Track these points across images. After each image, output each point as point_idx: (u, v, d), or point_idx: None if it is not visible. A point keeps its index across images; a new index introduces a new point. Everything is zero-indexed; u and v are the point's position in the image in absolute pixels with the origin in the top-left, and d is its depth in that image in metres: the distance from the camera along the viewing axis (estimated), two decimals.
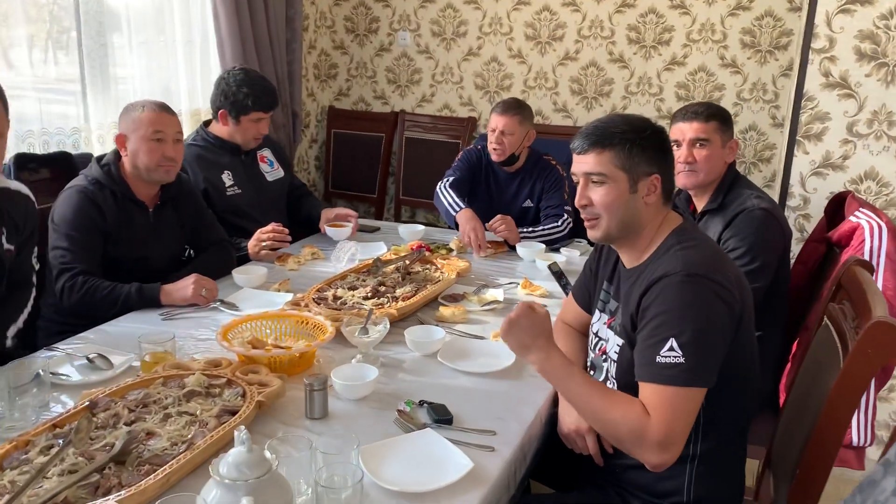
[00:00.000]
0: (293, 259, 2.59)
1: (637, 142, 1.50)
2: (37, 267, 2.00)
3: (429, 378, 1.78)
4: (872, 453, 2.52)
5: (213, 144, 2.83)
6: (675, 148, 2.22)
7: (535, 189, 3.14)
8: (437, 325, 2.04)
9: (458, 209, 2.96)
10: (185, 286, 2.13)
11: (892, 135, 2.71)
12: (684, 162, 2.19)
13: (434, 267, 2.47)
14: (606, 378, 1.62)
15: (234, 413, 1.46)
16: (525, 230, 2.93)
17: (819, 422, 1.43)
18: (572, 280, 2.40)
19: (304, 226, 3.07)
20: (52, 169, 2.57)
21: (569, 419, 1.61)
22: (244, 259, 2.61)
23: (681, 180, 2.22)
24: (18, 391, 1.55)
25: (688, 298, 1.40)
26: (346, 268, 2.46)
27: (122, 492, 1.19)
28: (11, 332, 1.88)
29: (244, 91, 2.77)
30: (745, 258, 2.06)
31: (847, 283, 1.65)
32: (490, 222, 2.85)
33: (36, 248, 2.00)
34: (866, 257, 2.01)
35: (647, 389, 1.42)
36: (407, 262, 2.43)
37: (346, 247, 2.57)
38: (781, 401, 2.18)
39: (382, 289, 2.21)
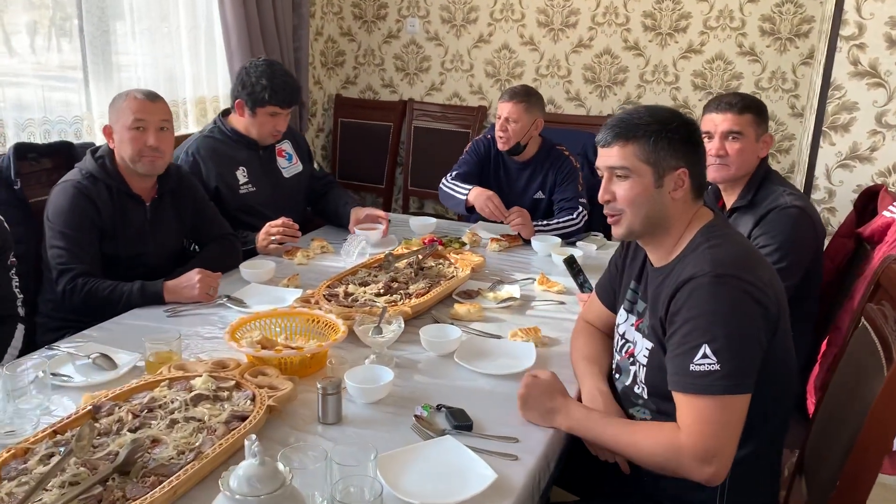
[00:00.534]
0: (302, 253, 2.51)
1: (663, 134, 1.43)
2: (21, 297, 1.93)
3: (445, 380, 1.71)
4: None
5: (229, 137, 2.73)
6: (705, 140, 2.13)
7: (546, 180, 3.05)
8: (452, 324, 1.96)
9: (466, 191, 2.89)
10: (191, 284, 2.06)
11: None
12: (715, 155, 2.09)
13: (447, 262, 2.39)
14: (634, 382, 1.54)
15: (243, 419, 1.39)
16: (539, 223, 2.85)
17: (863, 430, 1.35)
18: (588, 275, 2.34)
19: (330, 221, 2.97)
20: (53, 159, 2.49)
21: None
22: (250, 253, 2.53)
23: (710, 174, 2.13)
24: (16, 393, 1.48)
25: (718, 300, 1.32)
26: (356, 262, 2.38)
27: None
28: None
29: (262, 83, 2.65)
30: (774, 256, 1.98)
31: (887, 283, 1.56)
32: (507, 215, 2.76)
33: (16, 278, 1.93)
34: None
35: (681, 400, 1.35)
36: (419, 256, 2.35)
37: (357, 240, 2.49)
38: (809, 403, 2.11)
39: (395, 285, 2.13)
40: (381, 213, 2.84)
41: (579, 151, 3.34)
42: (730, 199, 2.19)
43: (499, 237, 2.76)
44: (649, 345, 1.49)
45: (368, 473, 1.21)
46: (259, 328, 1.81)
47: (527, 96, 2.92)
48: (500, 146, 2.96)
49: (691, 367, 1.31)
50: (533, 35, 4.26)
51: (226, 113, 2.81)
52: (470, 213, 3.13)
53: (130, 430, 1.34)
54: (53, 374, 1.58)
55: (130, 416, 1.38)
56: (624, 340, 1.62)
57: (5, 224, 1.92)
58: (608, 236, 2.92)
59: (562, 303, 2.20)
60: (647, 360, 1.49)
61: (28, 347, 1.91)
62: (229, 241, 2.44)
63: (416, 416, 1.50)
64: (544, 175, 3.04)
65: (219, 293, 2.12)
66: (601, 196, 1.50)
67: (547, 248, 2.65)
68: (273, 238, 2.51)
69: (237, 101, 2.71)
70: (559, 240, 2.72)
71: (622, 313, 1.65)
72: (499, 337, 1.93)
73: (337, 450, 1.23)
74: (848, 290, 2.11)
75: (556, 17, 4.18)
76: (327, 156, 4.85)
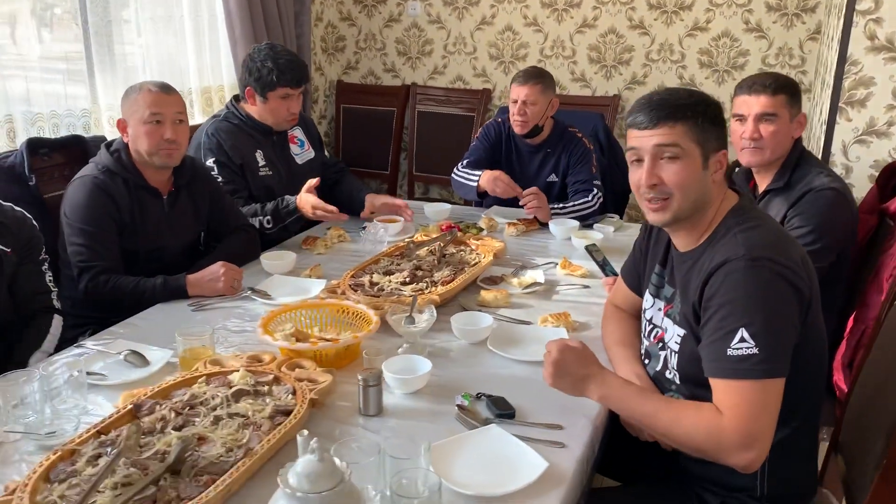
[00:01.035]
0: (321, 242, 2.49)
1: (707, 114, 1.40)
2: (55, 290, 1.93)
3: (480, 368, 1.70)
4: None
5: (244, 122, 2.71)
6: (737, 123, 2.11)
7: (560, 163, 3.03)
8: (479, 311, 1.95)
9: (477, 177, 2.89)
10: (216, 278, 2.04)
11: None
12: (749, 138, 2.05)
13: (469, 248, 2.37)
14: (665, 368, 1.53)
15: (287, 413, 1.38)
16: (556, 206, 2.83)
17: None
18: (609, 257, 2.33)
19: (344, 207, 2.94)
20: (66, 153, 2.46)
21: None
22: (264, 239, 2.51)
23: (745, 158, 2.10)
24: (52, 393, 1.46)
25: (753, 284, 1.30)
26: (376, 251, 2.36)
27: None
28: (35, 358, 1.80)
29: (268, 66, 2.63)
30: (808, 237, 1.96)
31: None
32: (523, 197, 2.74)
33: (49, 272, 1.93)
34: None
35: (719, 386, 1.32)
36: (441, 244, 2.33)
37: (376, 229, 2.47)
38: (836, 380, 2.11)
39: (420, 273, 2.12)
40: (399, 201, 2.82)
41: (588, 133, 3.32)
42: (763, 181, 2.15)
43: (515, 221, 2.75)
44: (681, 332, 1.47)
45: (421, 465, 1.20)
46: (290, 320, 1.79)
47: (541, 77, 2.90)
48: (519, 130, 2.94)
49: (728, 352, 1.29)
50: (536, 16, 4.22)
51: (236, 99, 2.78)
52: (482, 199, 3.11)
53: (175, 429, 1.32)
54: (88, 374, 1.56)
55: (173, 414, 1.36)
56: (652, 325, 1.61)
57: (33, 221, 1.90)
58: (622, 217, 2.91)
59: (586, 286, 2.19)
60: (678, 346, 1.47)
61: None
62: (247, 232, 2.41)
63: (458, 405, 1.49)
64: (557, 158, 3.03)
65: (242, 286, 2.10)
66: (647, 180, 1.42)
67: (565, 231, 2.63)
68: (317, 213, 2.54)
69: (247, 88, 2.68)
70: (577, 223, 2.71)
71: (648, 298, 1.64)
72: (528, 323, 1.92)
73: (389, 443, 1.22)
74: (873, 267, 2.10)
75: None
76: (330, 143, 4.80)
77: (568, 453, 1.37)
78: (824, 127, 2.79)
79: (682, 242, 1.50)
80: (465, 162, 3.05)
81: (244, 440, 1.29)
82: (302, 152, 2.91)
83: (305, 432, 1.21)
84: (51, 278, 1.93)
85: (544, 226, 2.74)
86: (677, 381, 1.49)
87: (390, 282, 2.06)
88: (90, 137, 2.58)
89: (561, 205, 2.86)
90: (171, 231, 2.22)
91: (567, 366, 1.41)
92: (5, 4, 2.64)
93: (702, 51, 3.96)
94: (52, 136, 2.63)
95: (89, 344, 1.77)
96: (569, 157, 3.02)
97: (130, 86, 2.15)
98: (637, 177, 1.44)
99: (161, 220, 2.19)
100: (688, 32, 3.96)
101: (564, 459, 1.34)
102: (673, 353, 1.49)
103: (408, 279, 2.07)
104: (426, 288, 2.02)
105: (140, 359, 1.68)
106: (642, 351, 1.65)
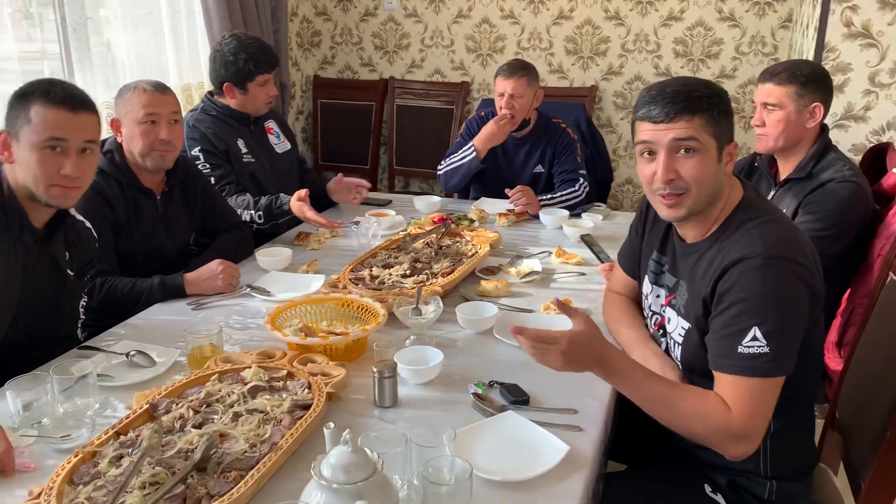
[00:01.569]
0: (314, 238, 2.48)
1: (720, 106, 1.37)
2: (82, 318, 1.88)
3: (488, 356, 1.72)
4: None
5: (221, 113, 2.70)
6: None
7: (546, 154, 3.06)
8: (481, 301, 1.96)
9: (470, 150, 2.93)
10: (214, 276, 2.02)
11: None
12: (755, 125, 2.09)
13: (464, 240, 2.38)
14: (668, 355, 1.56)
15: (306, 407, 1.38)
16: (543, 197, 2.86)
17: None
18: (603, 244, 2.37)
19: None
20: None
21: None
22: (258, 234, 2.51)
23: (756, 144, 2.13)
24: (64, 395, 1.44)
25: (770, 284, 1.30)
26: (372, 245, 2.36)
27: (216, 502, 1.10)
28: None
29: (242, 57, 2.63)
30: (818, 223, 1.98)
31: None
32: (511, 195, 2.77)
33: (85, 297, 1.90)
34: None
35: (726, 380, 1.33)
36: (437, 236, 2.34)
37: (370, 223, 2.47)
38: (827, 359, 2.16)
39: (419, 265, 2.12)
40: (354, 180, 2.88)
41: (573, 123, 3.35)
42: (785, 169, 2.16)
43: (505, 212, 2.77)
44: (686, 325, 1.47)
45: (445, 453, 1.21)
46: (295, 316, 1.79)
47: (526, 70, 2.92)
48: (510, 125, 2.95)
49: (739, 350, 1.30)
50: (513, 8, 4.23)
51: (211, 94, 2.77)
52: (482, 165, 3.06)
53: (194, 427, 1.32)
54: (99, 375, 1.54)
55: (191, 413, 1.36)
56: (651, 312, 1.62)
57: (97, 242, 1.87)
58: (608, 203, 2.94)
59: (583, 274, 2.22)
60: (682, 339, 1.49)
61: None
62: (241, 230, 2.40)
63: (473, 393, 1.51)
64: (543, 149, 3.05)
65: (240, 283, 2.09)
66: (664, 175, 1.37)
67: (556, 220, 2.66)
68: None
69: (224, 84, 2.67)
70: (567, 212, 2.74)
71: (647, 284, 1.64)
72: (531, 311, 1.94)
73: (414, 432, 1.23)
74: (861, 248, 2.15)
75: None
76: (308, 138, 4.78)
77: (586, 436, 1.39)
78: None
79: (690, 234, 1.49)
80: (448, 157, 3.06)
81: (266, 435, 1.29)
82: (280, 143, 2.92)
83: (332, 425, 1.21)
84: (84, 304, 1.87)
85: (534, 216, 2.77)
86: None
87: (391, 275, 2.07)
88: None
89: (549, 195, 2.89)
90: (167, 231, 2.20)
91: (576, 352, 1.34)
92: None
93: (676, 40, 4.01)
94: None
95: (92, 345, 1.74)
96: (554, 148, 3.04)
97: (125, 84, 2.11)
98: (650, 171, 1.40)
99: (156, 221, 2.17)
100: (662, 22, 4.01)
101: (583, 442, 1.37)
102: (676, 345, 1.51)
103: (408, 272, 2.07)
104: (427, 280, 2.03)
105: (147, 359, 1.66)
106: None
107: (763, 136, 2.10)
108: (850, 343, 1.84)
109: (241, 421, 1.33)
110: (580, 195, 2.92)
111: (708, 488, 1.48)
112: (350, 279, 2.02)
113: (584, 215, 2.79)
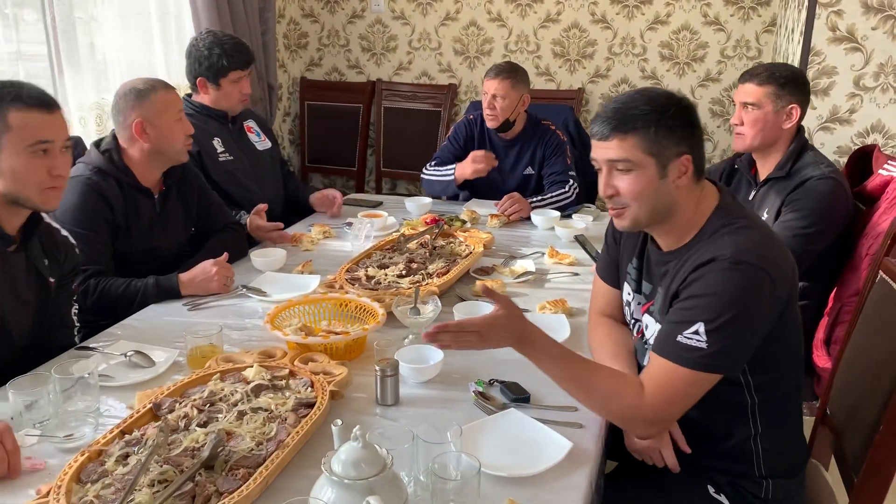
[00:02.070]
0: (307, 239, 2.49)
1: (662, 122, 1.36)
2: (77, 325, 1.84)
3: (487, 355, 1.69)
4: None
5: (197, 112, 2.71)
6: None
7: (535, 156, 3.08)
8: (478, 300, 1.97)
9: (450, 172, 2.95)
10: (209, 277, 2.02)
11: None
12: (732, 124, 2.14)
13: (457, 240, 2.40)
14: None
15: (309, 406, 1.39)
16: (534, 199, 2.88)
17: None
18: (597, 246, 2.39)
19: (290, 204, 2.99)
20: None
21: None
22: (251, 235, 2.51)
23: (733, 144, 2.18)
24: (63, 396, 1.43)
25: (730, 286, 1.31)
26: (365, 246, 2.37)
27: (226, 499, 1.11)
28: None
29: (216, 52, 2.66)
30: (802, 221, 2.03)
31: None
32: (499, 205, 2.79)
33: (76, 304, 1.85)
34: None
35: (655, 362, 1.36)
36: (431, 237, 2.35)
37: (363, 224, 2.48)
38: (815, 357, 2.20)
39: (414, 266, 2.14)
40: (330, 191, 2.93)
41: (561, 125, 3.38)
42: (764, 169, 2.22)
43: (497, 213, 2.79)
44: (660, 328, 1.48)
45: (452, 450, 1.22)
46: (294, 316, 1.80)
47: (513, 72, 2.94)
48: (490, 124, 2.98)
49: (678, 338, 1.32)
50: (500, 11, 4.26)
51: (189, 94, 2.79)
52: (460, 191, 3.13)
53: (199, 426, 1.32)
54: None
55: (195, 412, 1.36)
56: (634, 320, 1.63)
57: (77, 250, 1.83)
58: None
59: (576, 274, 2.24)
60: None
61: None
62: (234, 230, 2.40)
63: (474, 391, 1.52)
64: (532, 151, 3.08)
65: (235, 283, 2.09)
66: (603, 191, 1.43)
67: (547, 221, 2.69)
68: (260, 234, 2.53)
69: (198, 79, 2.70)
70: (558, 213, 2.77)
71: (627, 289, 1.65)
72: (527, 311, 1.96)
73: (421, 429, 1.24)
74: (848, 247, 2.20)
75: None
76: (295, 140, 4.77)
77: (587, 433, 1.41)
78: None
79: (664, 242, 1.50)
80: (433, 162, 3.08)
81: (272, 433, 1.30)
82: (260, 141, 2.95)
83: (339, 422, 1.23)
84: (76, 311, 1.84)
85: (526, 217, 2.79)
86: None
87: (386, 275, 2.08)
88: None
89: (539, 197, 2.91)
90: (164, 231, 2.20)
91: (492, 334, 1.38)
92: None
93: (662, 44, 4.06)
94: None
95: (89, 346, 1.74)
96: (544, 150, 3.07)
97: (133, 88, 2.10)
98: (600, 185, 1.46)
99: (153, 220, 2.17)
100: (649, 26, 4.05)
101: (584, 440, 1.39)
102: None
103: (403, 272, 2.09)
104: (422, 280, 2.04)
105: (145, 359, 1.66)
106: None
107: (741, 136, 2.16)
108: (840, 341, 1.88)
109: (246, 419, 1.34)
110: (570, 196, 2.94)
111: (711, 489, 1.50)
112: (346, 279, 2.03)
113: (574, 216, 2.82)
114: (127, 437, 1.29)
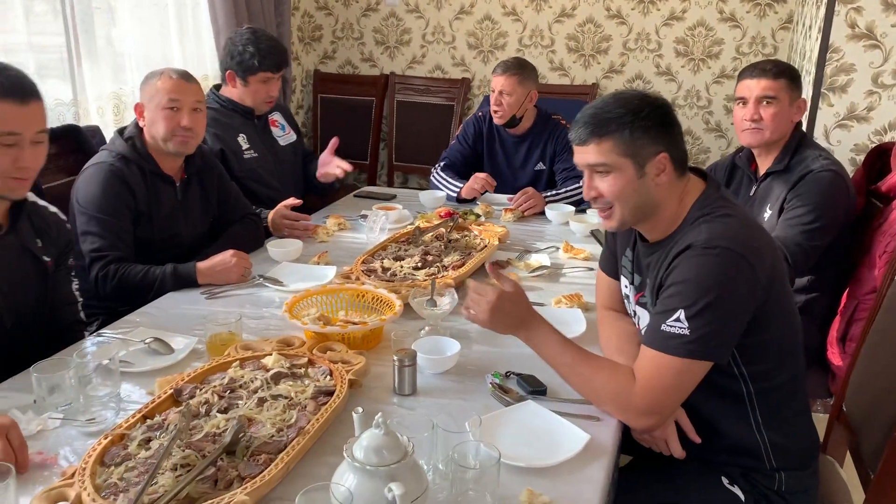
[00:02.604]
0: (322, 230, 2.50)
1: (637, 123, 1.40)
2: (80, 300, 1.83)
3: (502, 348, 1.73)
4: None
5: (224, 107, 2.72)
6: (739, 106, 2.19)
7: (546, 151, 3.08)
8: None
9: (458, 188, 2.93)
10: (227, 267, 2.03)
11: None
12: (750, 119, 2.15)
13: (472, 234, 2.41)
14: None
15: (329, 393, 1.40)
16: (548, 194, 2.88)
17: None
18: None
19: (314, 190, 3.01)
20: (61, 144, 2.41)
21: None
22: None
23: (745, 138, 2.19)
24: (83, 381, 1.45)
25: (704, 270, 1.34)
26: (380, 238, 2.38)
27: (248, 483, 1.12)
28: None
29: (250, 50, 2.66)
30: (808, 216, 2.04)
31: None
32: (513, 201, 2.79)
33: (76, 280, 1.84)
34: None
35: (645, 353, 1.39)
36: (446, 229, 2.36)
37: (378, 216, 2.49)
38: (830, 354, 2.20)
39: (430, 258, 2.14)
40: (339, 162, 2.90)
41: (572, 120, 3.37)
42: (764, 164, 2.24)
43: (511, 207, 2.79)
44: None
45: (471, 439, 1.23)
46: (312, 305, 1.81)
47: (520, 69, 2.94)
48: (496, 120, 2.98)
49: (662, 327, 1.36)
50: (515, 5, 4.26)
51: (217, 87, 2.80)
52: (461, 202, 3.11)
53: (220, 412, 1.33)
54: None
55: (216, 398, 1.37)
56: (633, 312, 1.65)
57: (67, 224, 1.83)
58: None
59: (591, 269, 2.24)
60: None
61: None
62: (252, 220, 2.41)
63: (491, 383, 1.53)
64: (543, 146, 3.07)
65: (252, 273, 2.10)
66: (586, 194, 1.49)
67: (562, 216, 2.69)
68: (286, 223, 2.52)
69: (228, 72, 2.70)
70: (572, 208, 2.76)
71: (624, 282, 1.68)
72: (542, 304, 1.96)
73: (439, 419, 1.25)
74: (863, 245, 2.19)
75: None
76: (308, 132, 4.78)
77: (604, 426, 1.42)
78: (807, 112, 2.90)
79: (649, 235, 1.54)
80: (441, 164, 3.08)
81: (292, 420, 1.31)
82: (284, 135, 2.95)
83: (360, 409, 1.23)
84: (77, 287, 1.84)
85: (540, 212, 2.79)
86: None
87: (402, 267, 2.09)
88: (85, 127, 2.54)
89: (553, 192, 2.91)
90: (185, 219, 2.22)
91: (502, 309, 1.48)
92: None
93: (678, 40, 4.05)
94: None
95: (108, 333, 1.76)
96: (555, 145, 3.07)
97: (151, 71, 2.14)
98: (583, 189, 1.51)
99: (175, 208, 2.19)
100: (664, 22, 4.04)
101: (601, 432, 1.39)
102: None
103: (419, 264, 2.09)
104: (438, 272, 2.05)
105: (164, 346, 1.67)
106: None
107: (758, 130, 2.16)
108: (855, 338, 1.88)
109: (267, 406, 1.35)
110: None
111: (725, 480, 1.50)
112: (363, 271, 2.04)
113: (588, 211, 2.81)
114: (149, 421, 1.31)
